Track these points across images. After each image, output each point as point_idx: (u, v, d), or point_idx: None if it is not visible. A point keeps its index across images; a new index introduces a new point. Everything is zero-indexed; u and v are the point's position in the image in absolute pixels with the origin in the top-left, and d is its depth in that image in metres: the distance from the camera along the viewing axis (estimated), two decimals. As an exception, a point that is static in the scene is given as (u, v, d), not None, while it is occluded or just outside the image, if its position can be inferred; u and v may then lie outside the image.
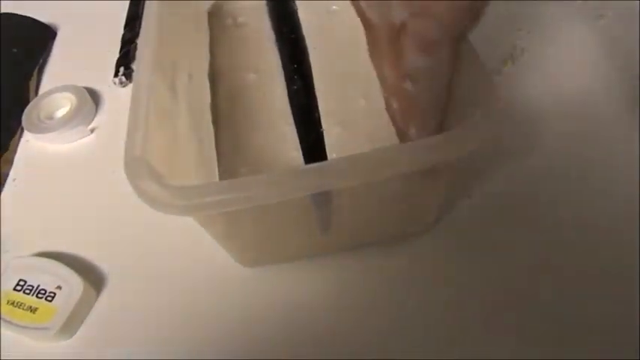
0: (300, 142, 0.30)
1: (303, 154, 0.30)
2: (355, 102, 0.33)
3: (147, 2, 0.28)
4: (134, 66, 0.40)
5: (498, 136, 0.19)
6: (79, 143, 0.36)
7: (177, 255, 0.29)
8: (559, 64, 0.36)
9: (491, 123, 0.19)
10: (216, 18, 0.39)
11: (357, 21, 0.37)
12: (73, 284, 0.27)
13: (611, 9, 0.39)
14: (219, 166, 0.30)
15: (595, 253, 0.27)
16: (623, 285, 0.26)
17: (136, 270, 0.29)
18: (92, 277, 0.29)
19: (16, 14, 0.43)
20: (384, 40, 0.20)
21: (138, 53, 0.25)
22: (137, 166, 0.19)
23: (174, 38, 0.26)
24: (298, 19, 0.37)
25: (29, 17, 0.43)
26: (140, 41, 0.25)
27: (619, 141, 0.32)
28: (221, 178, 0.30)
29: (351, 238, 0.28)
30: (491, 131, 0.19)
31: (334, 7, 0.39)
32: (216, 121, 0.32)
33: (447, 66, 0.20)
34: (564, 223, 0.28)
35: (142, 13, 0.45)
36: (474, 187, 0.30)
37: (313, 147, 0.30)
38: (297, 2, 0.38)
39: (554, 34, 0.38)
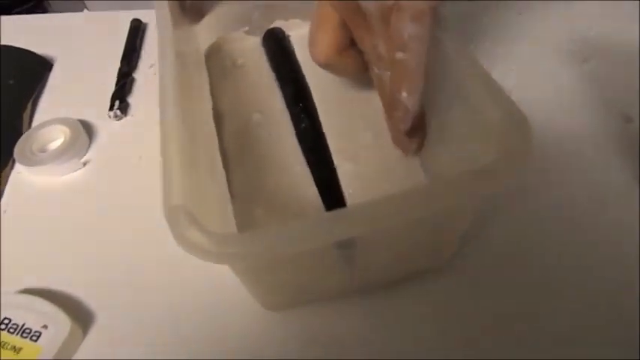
0: (315, 181, 0.31)
1: (320, 193, 0.30)
2: (363, 137, 0.33)
3: (160, 42, 0.28)
4: (130, 99, 0.40)
5: (523, 171, 0.19)
6: (71, 176, 0.35)
7: (170, 293, 0.29)
8: (545, 105, 0.37)
9: (515, 161, 0.19)
10: (213, 60, 0.39)
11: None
12: (59, 323, 0.27)
13: (596, 53, 0.41)
14: (233, 208, 0.30)
15: (597, 270, 0.28)
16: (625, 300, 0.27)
17: (125, 308, 0.28)
18: (80, 315, 0.28)
19: (12, 46, 0.44)
20: (378, 22, 0.25)
21: (160, 97, 0.24)
22: (178, 215, 0.19)
23: (186, 80, 0.26)
24: (296, 59, 0.37)
25: (25, 49, 0.44)
26: (161, 83, 0.25)
27: (606, 178, 0.32)
28: (237, 220, 0.29)
29: (375, 277, 0.27)
30: (514, 170, 0.19)
31: None
32: (225, 163, 0.32)
33: (430, 31, 0.24)
34: (571, 262, 0.29)
35: (139, 47, 0.46)
36: (486, 222, 0.31)
37: (329, 185, 0.30)
38: (293, 42, 0.39)
39: (541, 76, 0.40)
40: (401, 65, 0.24)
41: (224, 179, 0.31)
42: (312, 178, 0.31)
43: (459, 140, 0.26)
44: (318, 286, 0.27)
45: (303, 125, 0.33)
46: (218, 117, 0.35)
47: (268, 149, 0.33)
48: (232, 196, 0.30)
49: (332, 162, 0.31)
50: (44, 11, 0.96)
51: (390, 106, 0.27)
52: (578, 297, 0.27)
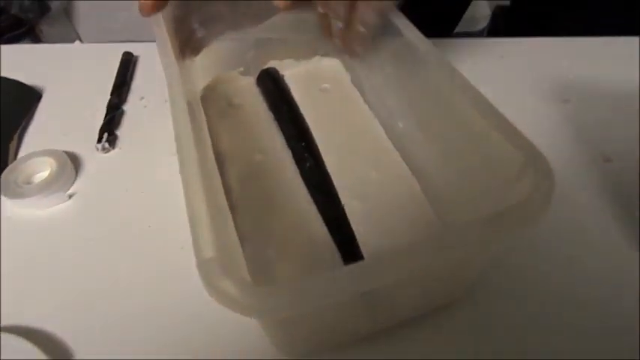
0: (325, 221, 0.31)
1: (331, 233, 0.30)
2: (366, 174, 0.34)
3: (170, 85, 0.27)
4: (119, 132, 0.41)
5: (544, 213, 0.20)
6: (56, 209, 0.35)
7: (154, 331, 0.28)
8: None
9: (536, 203, 0.20)
10: (209, 101, 0.39)
11: (351, 96, 0.39)
12: (37, 363, 0.26)
13: (575, 94, 0.42)
14: (244, 251, 0.29)
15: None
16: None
17: (105, 347, 0.27)
18: (58, 354, 0.27)
19: (0, 76, 0.43)
20: (344, 6, 0.31)
21: (178, 146, 0.24)
22: (211, 268, 0.18)
23: (193, 124, 0.25)
24: (293, 99, 0.38)
25: (13, 79, 0.43)
26: (178, 130, 0.24)
27: (585, 217, 0.33)
28: (248, 263, 0.28)
29: (394, 317, 0.27)
30: (536, 212, 0.20)
31: (325, 85, 0.41)
32: (230, 205, 0.31)
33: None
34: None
35: (129, 80, 0.46)
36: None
37: (339, 224, 0.30)
38: (288, 82, 0.40)
39: (522, 116, 0.41)
40: (360, 34, 0.32)
41: (231, 222, 0.30)
42: (320, 217, 0.31)
43: (471, 178, 0.27)
44: (338, 331, 0.26)
45: (308, 164, 0.33)
46: (218, 158, 0.35)
47: (273, 189, 0.33)
48: (241, 238, 0.30)
49: (339, 200, 0.32)
50: (36, 38, 0.97)
51: (345, 43, 0.34)
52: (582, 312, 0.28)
